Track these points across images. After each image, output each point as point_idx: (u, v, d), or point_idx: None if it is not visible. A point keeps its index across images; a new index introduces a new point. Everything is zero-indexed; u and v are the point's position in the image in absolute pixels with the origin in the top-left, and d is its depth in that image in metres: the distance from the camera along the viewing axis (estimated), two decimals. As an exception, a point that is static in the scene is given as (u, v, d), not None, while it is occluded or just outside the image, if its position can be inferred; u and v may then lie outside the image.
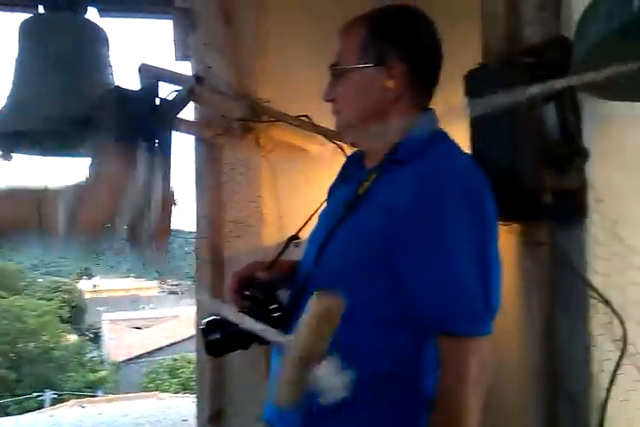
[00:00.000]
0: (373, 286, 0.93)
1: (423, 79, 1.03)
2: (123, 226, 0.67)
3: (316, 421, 0.93)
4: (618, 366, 0.99)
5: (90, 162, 1.52)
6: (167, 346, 17.21)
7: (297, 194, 1.85)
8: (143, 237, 0.69)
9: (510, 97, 0.60)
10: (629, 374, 1.00)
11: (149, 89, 1.49)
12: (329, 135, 1.56)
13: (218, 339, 1.01)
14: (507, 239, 1.26)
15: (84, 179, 0.74)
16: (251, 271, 1.07)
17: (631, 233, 1.00)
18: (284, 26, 1.89)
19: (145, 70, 1.59)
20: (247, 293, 1.03)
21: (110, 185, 0.69)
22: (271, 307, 1.00)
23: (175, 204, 0.73)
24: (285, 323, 1.00)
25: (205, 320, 1.04)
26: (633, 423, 1.05)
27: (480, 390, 0.86)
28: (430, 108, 1.07)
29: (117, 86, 1.49)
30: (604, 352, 1.03)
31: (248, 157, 1.76)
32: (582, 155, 0.97)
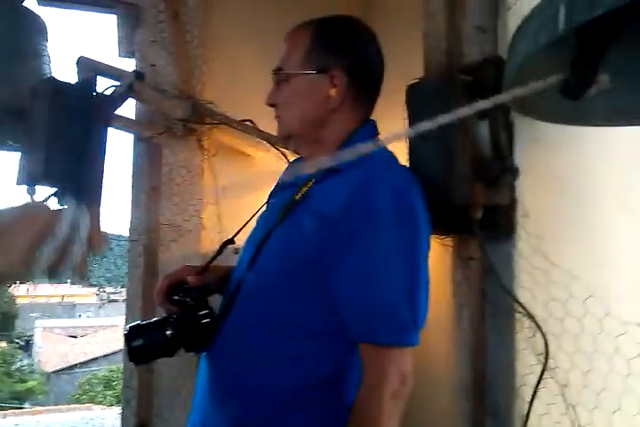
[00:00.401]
0: (303, 293, 0.92)
1: (365, 90, 1.04)
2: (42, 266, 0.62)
3: None
4: (539, 380, 1.01)
5: (19, 157, 1.46)
6: (103, 356, 16.56)
7: (239, 199, 1.82)
8: (64, 273, 0.65)
9: (443, 119, 0.60)
10: (550, 387, 1.02)
11: (86, 82, 1.44)
12: (272, 141, 1.54)
13: (140, 345, 0.97)
14: (441, 253, 1.28)
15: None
16: (181, 276, 1.03)
17: (555, 249, 1.03)
18: (233, 28, 1.87)
19: (83, 63, 1.53)
20: (176, 297, 1.00)
21: (34, 227, 0.63)
22: (201, 313, 0.97)
23: (104, 243, 0.68)
24: (213, 329, 0.97)
25: (129, 326, 1.00)
26: (552, 436, 1.08)
27: (399, 402, 0.85)
28: (371, 120, 1.07)
29: (52, 77, 1.42)
30: (527, 366, 1.04)
31: (189, 159, 1.72)
32: (512, 172, 0.99)
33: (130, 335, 0.97)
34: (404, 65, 1.33)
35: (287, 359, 0.92)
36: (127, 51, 2.00)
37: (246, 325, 0.95)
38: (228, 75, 1.84)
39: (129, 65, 1.90)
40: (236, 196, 1.79)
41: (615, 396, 0.91)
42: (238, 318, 0.96)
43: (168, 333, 0.95)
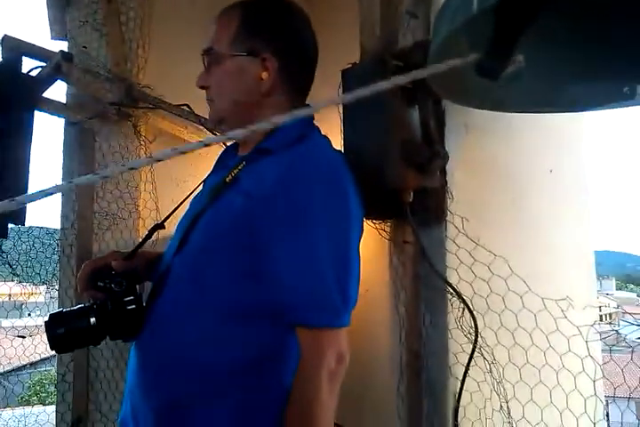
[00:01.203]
0: (231, 274, 0.91)
1: (298, 73, 1.02)
2: None
3: (170, 416, 0.89)
4: (470, 357, 1.04)
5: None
6: (54, 356, 15.91)
7: (177, 187, 1.78)
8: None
9: (362, 92, 0.60)
10: (481, 364, 1.05)
11: (9, 63, 1.36)
12: (209, 126, 1.51)
13: (62, 333, 0.93)
14: (378, 237, 1.29)
15: None
16: (107, 261, 1.00)
17: (482, 231, 1.07)
18: (171, 11, 1.82)
19: (7, 43, 1.45)
20: (101, 284, 0.96)
21: None
22: (126, 299, 0.94)
23: None
24: (141, 316, 0.94)
25: (50, 313, 0.96)
26: (483, 413, 1.11)
27: (336, 382, 0.86)
28: (307, 104, 1.06)
29: (-30, 56, 1.35)
30: (458, 345, 1.07)
31: (124, 145, 1.66)
32: (441, 157, 1.01)
33: (51, 323, 0.93)
34: (346, 50, 1.33)
35: (219, 342, 0.90)
36: (59, 33, 1.91)
37: (174, 309, 0.93)
38: (166, 58, 1.78)
39: (62, 47, 1.82)
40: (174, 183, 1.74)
41: (535, 371, 0.95)
42: (166, 303, 0.94)
43: (92, 320, 0.92)
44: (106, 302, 0.93)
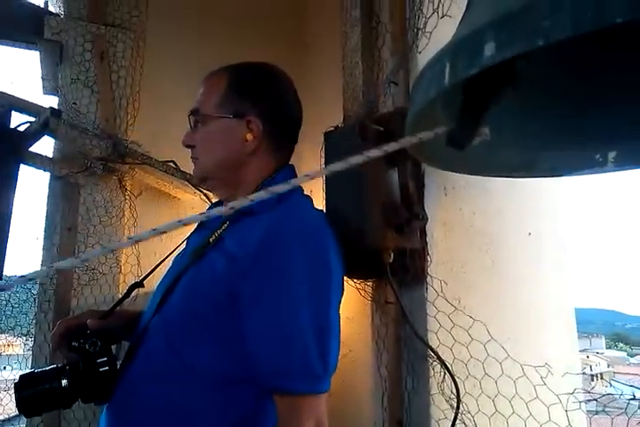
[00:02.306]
0: (211, 340, 0.89)
1: (281, 135, 1.05)
2: None
3: None
4: (453, 425, 1.01)
5: None
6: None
7: (161, 242, 1.78)
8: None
9: (346, 163, 0.62)
10: (463, 432, 1.02)
11: (-1, 118, 1.39)
12: (194, 182, 1.53)
13: (32, 395, 0.90)
14: (360, 297, 1.28)
15: None
16: (83, 320, 0.97)
17: (462, 294, 1.07)
18: (162, 69, 1.88)
19: (-2, 98, 1.48)
20: (75, 344, 0.94)
21: None
22: (99, 360, 0.91)
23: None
24: (113, 378, 0.91)
25: (20, 375, 0.92)
26: (467, 484, 1.07)
27: None
28: (290, 164, 1.08)
29: (-40, 112, 1.37)
30: (440, 411, 1.05)
31: (109, 200, 1.66)
32: (420, 219, 1.03)
33: (21, 385, 0.89)
34: (330, 113, 1.38)
35: (194, 412, 0.87)
36: (51, 88, 1.96)
37: (149, 373, 0.90)
38: (156, 116, 1.83)
39: (53, 103, 1.86)
40: (159, 238, 1.73)
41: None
42: (140, 366, 0.91)
43: (63, 382, 0.89)
44: (78, 363, 0.91)
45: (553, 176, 1.11)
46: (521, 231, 1.26)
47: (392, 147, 0.60)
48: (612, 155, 0.98)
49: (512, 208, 1.27)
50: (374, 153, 0.56)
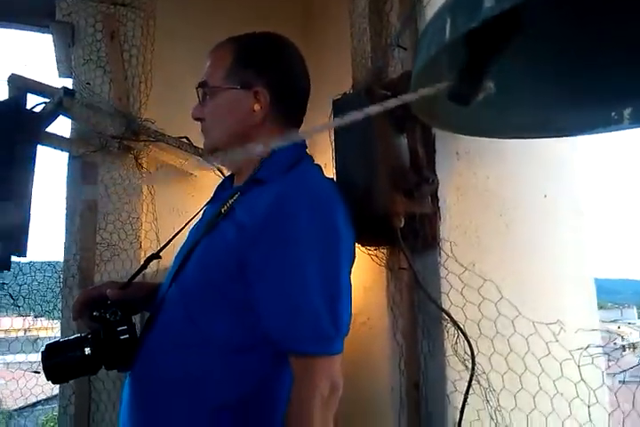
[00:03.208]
0: (225, 307, 0.91)
1: (289, 105, 1.05)
2: None
3: None
4: (469, 385, 1.02)
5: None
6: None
7: (179, 217, 1.81)
8: None
9: (352, 117, 0.62)
10: (478, 392, 1.03)
11: (14, 100, 1.41)
12: (205, 155, 1.54)
13: (58, 364, 0.94)
14: (376, 265, 1.29)
15: None
16: (102, 290, 1.00)
17: (475, 256, 1.06)
18: (173, 47, 1.88)
19: (14, 81, 1.50)
20: (96, 313, 0.97)
21: None
22: (119, 329, 0.94)
23: None
24: (134, 346, 0.94)
25: (46, 344, 0.96)
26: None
27: (329, 410, 0.85)
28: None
29: (-23, 95, 1.40)
30: (456, 372, 1.06)
31: (126, 177, 1.69)
32: (429, 183, 1.02)
33: (47, 354, 0.93)
34: (340, 82, 1.37)
35: (212, 376, 0.90)
36: (66, 70, 1.98)
37: (167, 342, 0.93)
38: (169, 93, 1.84)
39: (68, 85, 1.88)
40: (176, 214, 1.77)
41: (530, 396, 0.93)
42: (159, 335, 0.94)
43: (86, 350, 0.92)
44: (99, 332, 0.94)
45: (566, 136, 1.10)
46: (536, 194, 1.24)
47: (392, 103, 0.60)
48: (627, 111, 0.95)
49: (527, 171, 1.25)
50: (373, 109, 0.56)
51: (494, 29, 0.66)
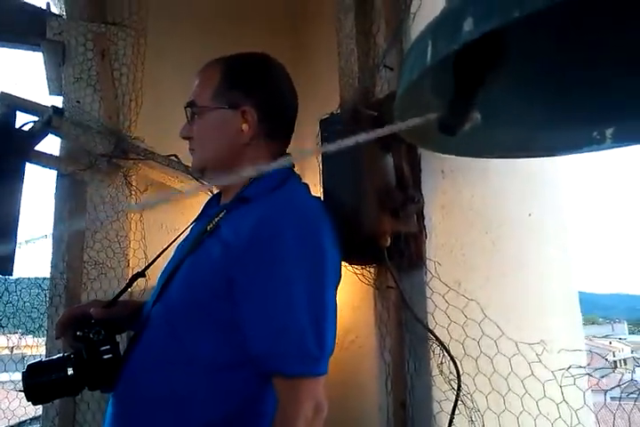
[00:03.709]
0: (210, 326, 0.91)
1: (277, 124, 1.06)
2: None
3: None
4: (454, 406, 1.01)
5: None
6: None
7: (168, 235, 1.80)
8: None
9: (339, 144, 0.63)
10: (463, 412, 1.03)
11: (4, 118, 1.42)
12: (193, 174, 1.54)
13: (39, 384, 0.92)
14: (364, 284, 1.29)
15: None
16: (86, 309, 1.00)
17: (460, 275, 1.07)
18: (161, 65, 1.90)
19: (3, 99, 1.51)
20: (79, 333, 0.96)
21: None
22: (103, 348, 0.94)
23: None
24: (117, 366, 0.93)
25: (28, 364, 0.95)
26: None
27: None
28: (287, 153, 1.09)
29: (-34, 113, 1.40)
30: (441, 392, 1.05)
31: (115, 196, 1.69)
32: (415, 202, 1.03)
33: (28, 374, 0.92)
34: (328, 100, 1.38)
35: (196, 396, 0.89)
36: (57, 88, 1.99)
37: (151, 360, 0.92)
38: (158, 111, 1.85)
39: (58, 103, 1.89)
40: (165, 232, 1.76)
41: (514, 417, 0.93)
42: (142, 354, 0.93)
43: (69, 370, 0.91)
44: (82, 352, 0.93)
45: (551, 155, 1.11)
46: (521, 212, 1.25)
47: (382, 132, 0.61)
48: (609, 131, 0.97)
49: (512, 189, 1.27)
50: (362, 137, 0.57)
51: (478, 57, 0.67)
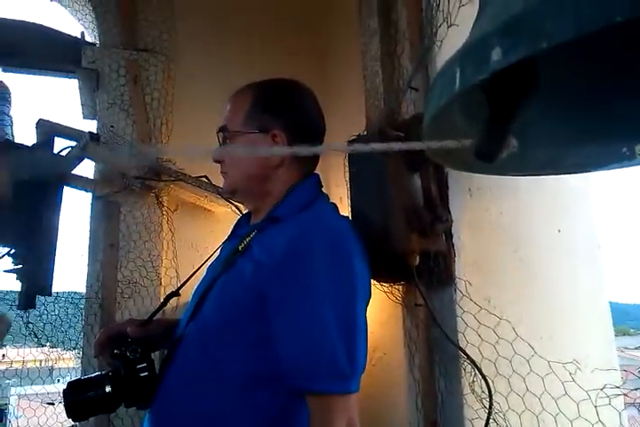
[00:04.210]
0: (243, 344, 0.92)
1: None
2: None
3: None
4: (487, 424, 1.01)
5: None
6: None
7: (198, 253, 1.84)
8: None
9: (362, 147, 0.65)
10: (498, 431, 1.02)
11: (43, 144, 1.48)
12: (224, 195, 1.58)
13: (78, 401, 0.95)
14: (392, 301, 1.30)
15: None
16: (123, 328, 1.03)
17: (491, 294, 1.07)
18: (191, 89, 1.96)
19: (42, 125, 1.58)
20: (116, 351, 0.99)
21: None
22: (139, 366, 0.96)
23: None
24: (153, 383, 0.96)
25: (68, 381, 0.98)
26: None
27: None
28: (315, 173, 1.12)
29: (8, 139, 1.47)
30: (473, 411, 1.05)
31: (147, 216, 1.74)
32: (443, 221, 1.04)
33: (68, 391, 0.95)
34: (354, 122, 1.41)
35: (230, 414, 0.90)
36: (90, 113, 2.07)
37: (184, 379, 0.94)
38: (188, 135, 1.90)
39: (92, 126, 1.96)
40: (196, 251, 1.81)
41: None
42: (177, 372, 0.95)
43: (107, 388, 0.94)
44: (120, 370, 0.96)
45: (580, 172, 1.11)
46: (550, 229, 1.25)
47: (416, 145, 0.63)
48: (639, 147, 0.97)
49: (540, 206, 1.27)
50: (398, 145, 0.59)
51: (512, 84, 0.69)
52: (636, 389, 1.03)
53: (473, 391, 1.02)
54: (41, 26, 1.89)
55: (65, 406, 0.95)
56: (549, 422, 0.94)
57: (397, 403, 1.31)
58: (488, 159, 0.73)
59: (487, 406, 1.00)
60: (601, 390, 0.86)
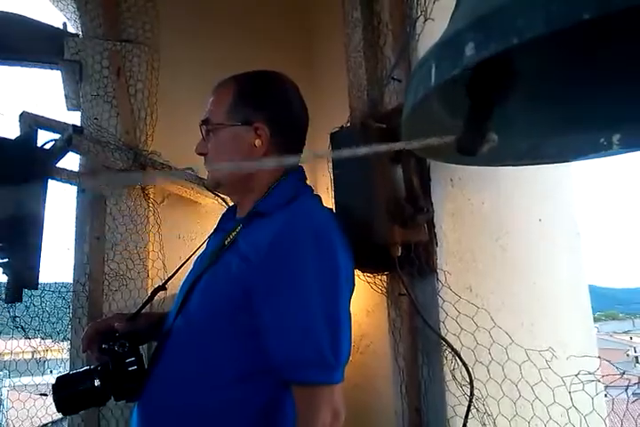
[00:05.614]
0: (232, 337, 0.94)
1: (289, 139, 1.09)
2: None
3: None
4: (467, 411, 1.03)
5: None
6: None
7: (185, 244, 1.85)
8: None
9: (347, 153, 0.66)
10: (477, 417, 1.05)
11: (26, 137, 1.47)
12: (209, 188, 1.59)
13: (67, 396, 0.97)
14: (372, 290, 1.32)
15: None
16: (111, 323, 1.04)
17: (472, 283, 1.09)
18: (176, 80, 1.95)
19: (25, 118, 1.57)
20: (104, 346, 1.00)
21: None
22: (127, 360, 0.97)
23: None
24: (142, 377, 0.97)
25: (57, 376, 1.00)
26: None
27: None
28: (299, 166, 1.13)
29: (-10, 133, 1.46)
30: (455, 398, 1.07)
31: (134, 208, 1.74)
32: (424, 212, 1.06)
33: (57, 386, 0.96)
34: (339, 114, 1.42)
35: (215, 408, 0.92)
36: (74, 105, 2.05)
37: (173, 372, 0.96)
38: (173, 126, 1.90)
39: (76, 117, 1.95)
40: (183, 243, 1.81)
41: (525, 422, 0.95)
42: (165, 365, 0.97)
43: (95, 382, 0.95)
44: (108, 364, 0.97)
45: (559, 162, 1.13)
46: (531, 218, 1.27)
47: (399, 145, 0.64)
48: (616, 137, 0.99)
49: (521, 195, 1.29)
50: (381, 147, 0.60)
51: (490, 78, 0.70)
52: (623, 373, 1.06)
53: (454, 378, 1.05)
54: (23, 17, 1.86)
55: (54, 400, 0.96)
56: (527, 408, 0.97)
57: (383, 391, 1.33)
58: (469, 153, 0.74)
59: (468, 393, 1.02)
60: (575, 376, 0.88)
